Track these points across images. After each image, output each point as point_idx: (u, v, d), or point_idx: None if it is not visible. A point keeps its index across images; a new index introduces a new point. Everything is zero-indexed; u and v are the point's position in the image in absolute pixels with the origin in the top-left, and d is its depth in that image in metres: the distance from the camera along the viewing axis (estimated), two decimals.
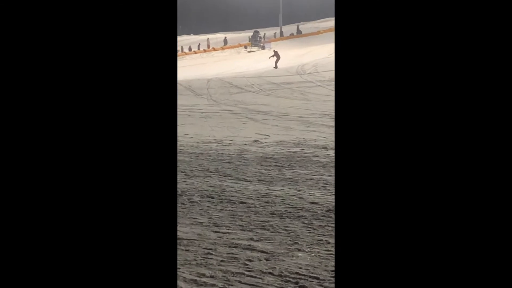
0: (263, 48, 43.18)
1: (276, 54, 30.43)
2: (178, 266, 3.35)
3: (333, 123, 10.97)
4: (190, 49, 46.73)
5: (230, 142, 8.97)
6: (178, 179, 5.93)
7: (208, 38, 49.52)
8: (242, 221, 4.46)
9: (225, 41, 48.22)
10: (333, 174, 6.05)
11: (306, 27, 51.26)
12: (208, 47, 47.26)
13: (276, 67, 28.66)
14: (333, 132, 9.31)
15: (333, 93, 18.90)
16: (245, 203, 5.03)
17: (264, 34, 48.24)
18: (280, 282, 3.22)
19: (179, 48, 44.70)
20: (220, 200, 5.14)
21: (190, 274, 3.33)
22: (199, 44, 47.83)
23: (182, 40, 49.42)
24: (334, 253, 3.59)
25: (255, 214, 4.65)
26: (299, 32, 50.10)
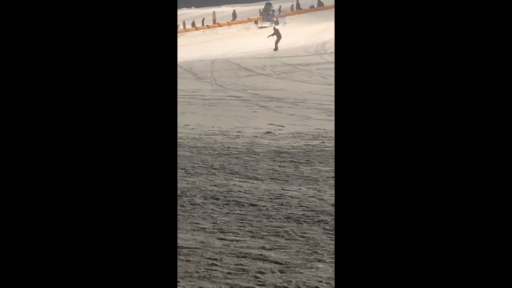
0: (276, 23, 43.07)
1: (276, 32, 30.08)
2: (177, 279, 3.36)
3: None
4: (193, 24, 46.75)
5: (238, 134, 9.00)
6: (177, 178, 5.96)
7: (214, 12, 49.54)
8: (252, 226, 4.48)
9: (234, 15, 48.14)
10: None
11: None
12: (214, 21, 47.25)
13: (276, 48, 28.54)
14: None
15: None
16: (255, 205, 5.05)
17: (280, 6, 48.20)
18: None
19: (178, 23, 44.75)
20: (227, 202, 5.17)
21: None
22: (203, 19, 47.85)
23: (182, 15, 49.48)
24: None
25: (268, 218, 4.67)
26: (320, 4, 49.99)
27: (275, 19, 44.29)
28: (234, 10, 49.13)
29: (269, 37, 30.34)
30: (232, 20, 47.41)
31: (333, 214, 4.70)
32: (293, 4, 50.85)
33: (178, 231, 4.31)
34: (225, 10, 51.34)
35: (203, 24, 46.73)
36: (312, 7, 50.21)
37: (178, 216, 4.70)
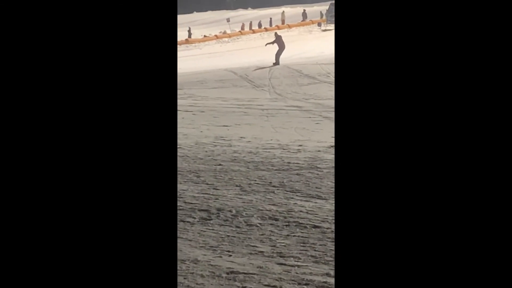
0: None
1: (277, 40, 24.29)
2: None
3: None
4: (250, 27, 47.06)
5: (299, 148, 8.98)
6: (232, 196, 6.01)
7: (283, 12, 49.50)
8: (315, 250, 4.47)
9: (304, 15, 47.87)
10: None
11: None
12: (283, 22, 47.18)
13: (277, 62, 23.26)
14: None
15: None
16: (319, 227, 5.04)
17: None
18: None
19: (234, 27, 45.13)
20: (287, 223, 5.17)
21: None
22: (259, 21, 48.08)
23: (237, 16, 49.85)
24: None
25: (332, 241, 4.63)
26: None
27: None
28: (304, 10, 48.87)
29: (268, 45, 25.20)
30: (303, 20, 47.23)
31: None
32: None
33: (233, 254, 4.34)
34: (287, 11, 51.46)
35: (259, 27, 46.97)
36: None
37: (233, 238, 4.74)
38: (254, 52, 30.70)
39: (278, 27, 46.08)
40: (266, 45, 25.55)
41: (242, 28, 46.49)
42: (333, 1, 46.87)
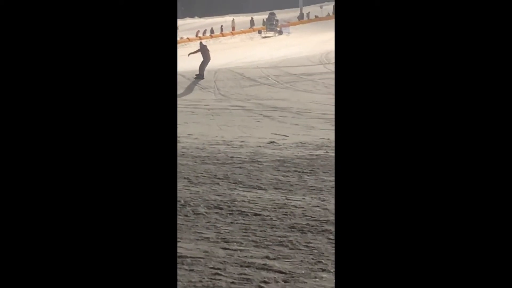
0: (280, 33, 43.20)
1: (201, 49, 19.78)
2: None
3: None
4: (196, 34, 46.77)
5: (242, 143, 9.01)
6: (180, 187, 5.97)
7: (233, 19, 49.33)
8: (255, 236, 4.48)
9: (252, 22, 47.47)
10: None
11: (331, 8, 51.18)
12: (233, 29, 47.01)
13: (200, 74, 19.43)
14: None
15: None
16: (259, 215, 5.05)
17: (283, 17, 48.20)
18: None
19: (181, 34, 44.78)
20: (230, 212, 5.17)
21: None
22: (206, 29, 47.83)
23: (185, 24, 49.53)
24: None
25: (271, 228, 4.67)
26: (325, 13, 50.06)
27: (278, 28, 44.29)
28: (252, 18, 48.62)
29: (190, 55, 20.33)
30: (251, 27, 47.13)
31: None
32: (296, 14, 50.95)
33: (181, 241, 4.32)
34: (228, 20, 51.41)
35: (211, 33, 46.69)
36: (316, 17, 50.29)
37: (181, 225, 4.71)
38: (201, 57, 30.53)
39: (223, 34, 46.01)
40: (188, 55, 20.39)
41: (197, 34, 46.15)
42: (273, 11, 47.34)
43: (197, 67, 19.73)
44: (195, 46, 27.72)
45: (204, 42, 22.50)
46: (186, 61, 20.09)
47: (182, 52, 29.32)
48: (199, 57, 19.71)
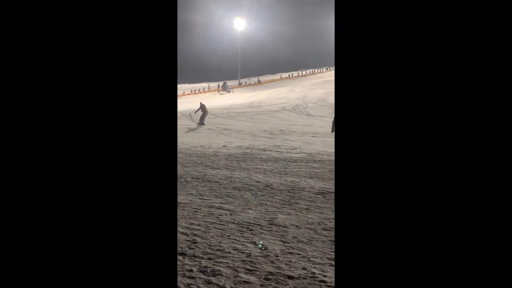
0: (229, 92, 42.94)
1: (202, 108, 14.90)
2: (178, 218, 3.32)
3: (266, 136, 11.06)
4: (183, 93, 45.43)
5: (209, 146, 8.93)
6: (178, 168, 5.86)
7: (209, 84, 48.29)
8: (216, 192, 4.42)
9: (224, 85, 46.23)
10: (270, 165, 6.14)
11: (255, 79, 51.35)
12: (208, 89, 45.89)
13: (201, 123, 14.55)
14: (268, 141, 9.41)
15: (269, 119, 18.51)
16: (218, 182, 4.99)
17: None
18: (239, 227, 3.22)
19: (179, 92, 43.67)
20: (203, 180, 5.09)
21: (185, 223, 3.29)
22: (194, 90, 46.85)
23: (181, 86, 48.45)
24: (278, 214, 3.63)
25: (224, 188, 4.63)
26: (256, 81, 49.85)
27: (228, 90, 44.00)
28: (225, 82, 47.74)
29: (196, 112, 16.00)
30: (205, 90, 46.36)
31: (256, 186, 4.74)
32: (236, 82, 50.72)
33: (178, 195, 4.25)
34: (204, 85, 50.65)
35: (195, 91, 45.62)
36: (247, 83, 50.23)
37: (178, 187, 4.64)
38: (186, 103, 29.90)
39: (200, 92, 45.25)
40: (195, 112, 16.27)
41: (190, 91, 44.71)
42: (226, 81, 46.84)
43: (190, 109, 19.13)
44: (190, 97, 26.63)
45: (203, 102, 16.92)
46: (182, 104, 19.66)
47: (181, 100, 28.57)
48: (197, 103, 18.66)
